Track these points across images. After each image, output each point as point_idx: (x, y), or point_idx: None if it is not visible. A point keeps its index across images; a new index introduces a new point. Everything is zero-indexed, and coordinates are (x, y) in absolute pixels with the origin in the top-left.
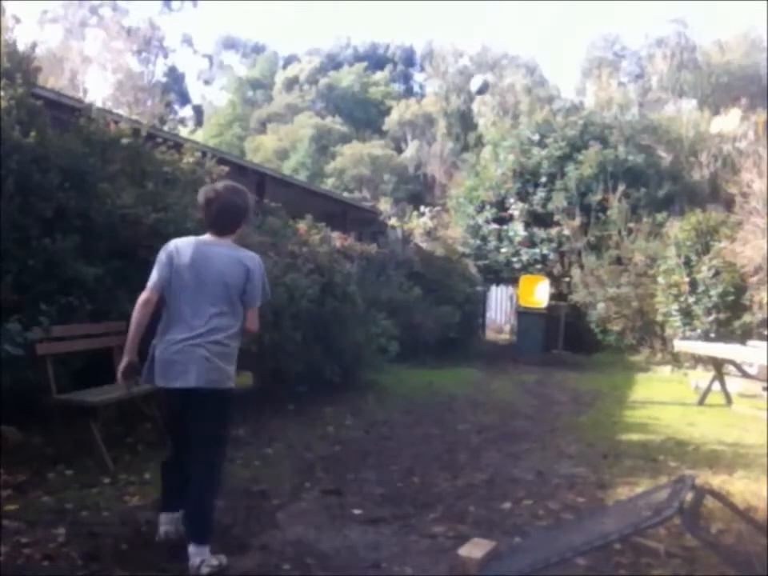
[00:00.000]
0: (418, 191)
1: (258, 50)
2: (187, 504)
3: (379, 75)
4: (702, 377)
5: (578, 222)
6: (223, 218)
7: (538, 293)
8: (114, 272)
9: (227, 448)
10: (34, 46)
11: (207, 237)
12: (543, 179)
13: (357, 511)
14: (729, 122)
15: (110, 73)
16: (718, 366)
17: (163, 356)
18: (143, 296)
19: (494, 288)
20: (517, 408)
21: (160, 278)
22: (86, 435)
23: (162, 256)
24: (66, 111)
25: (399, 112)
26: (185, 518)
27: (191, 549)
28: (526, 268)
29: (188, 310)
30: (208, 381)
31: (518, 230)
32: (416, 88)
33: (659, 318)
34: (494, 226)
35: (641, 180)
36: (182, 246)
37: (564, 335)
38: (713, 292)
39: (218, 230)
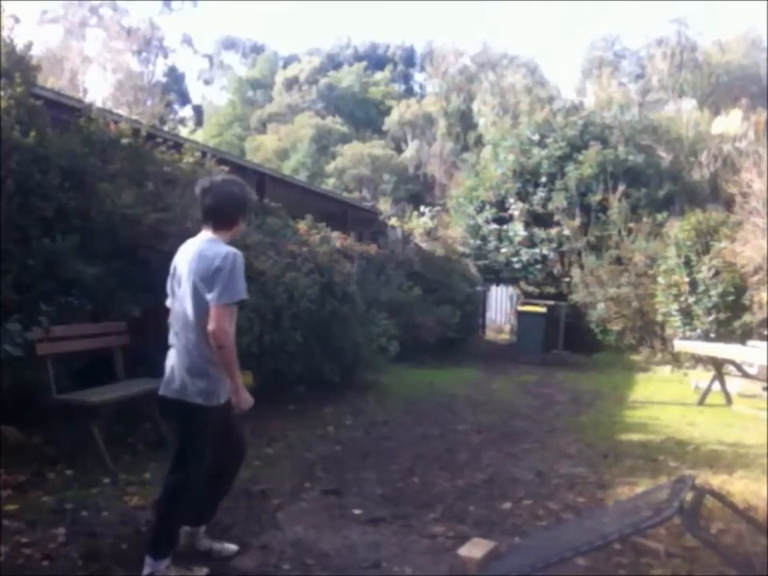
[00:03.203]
0: (418, 191)
1: (257, 50)
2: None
3: (379, 75)
4: (702, 377)
5: (577, 222)
6: (217, 209)
7: None
8: (114, 272)
9: (197, 467)
10: (30, 45)
11: (201, 233)
12: (543, 179)
13: (357, 511)
14: (731, 123)
15: (110, 73)
16: (717, 366)
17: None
18: None
19: (494, 288)
20: (517, 408)
21: (168, 290)
22: (86, 435)
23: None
24: (65, 111)
25: (399, 112)
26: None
27: (146, 559)
28: (526, 268)
29: (174, 315)
30: (172, 391)
31: (517, 229)
32: (416, 88)
33: (659, 318)
34: (494, 226)
35: (641, 180)
36: (180, 249)
37: (564, 335)
38: (713, 292)
39: (212, 222)
